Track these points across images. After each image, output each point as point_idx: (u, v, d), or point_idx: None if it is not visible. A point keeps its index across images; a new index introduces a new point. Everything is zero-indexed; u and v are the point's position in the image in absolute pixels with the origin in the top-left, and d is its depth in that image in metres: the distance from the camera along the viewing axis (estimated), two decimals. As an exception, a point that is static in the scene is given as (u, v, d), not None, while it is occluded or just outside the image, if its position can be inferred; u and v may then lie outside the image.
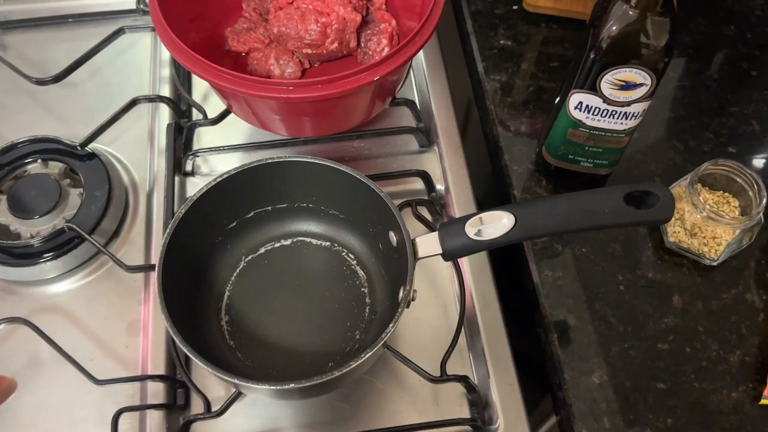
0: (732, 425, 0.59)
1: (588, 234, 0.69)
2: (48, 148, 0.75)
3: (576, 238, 0.68)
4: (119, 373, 0.64)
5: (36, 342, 0.63)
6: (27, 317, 0.65)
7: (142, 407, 0.62)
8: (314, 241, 0.70)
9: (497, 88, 0.79)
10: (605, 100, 0.59)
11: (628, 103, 0.59)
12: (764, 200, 0.62)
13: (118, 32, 0.83)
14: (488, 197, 0.79)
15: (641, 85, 0.57)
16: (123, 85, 0.83)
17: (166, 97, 0.79)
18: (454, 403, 0.65)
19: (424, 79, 0.83)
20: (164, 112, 0.79)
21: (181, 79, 0.82)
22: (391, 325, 0.55)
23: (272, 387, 0.54)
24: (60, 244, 0.70)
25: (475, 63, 0.81)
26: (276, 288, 0.68)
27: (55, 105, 0.82)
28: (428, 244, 0.58)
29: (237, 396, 0.63)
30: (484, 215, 0.56)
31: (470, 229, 0.56)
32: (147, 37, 0.87)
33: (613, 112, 0.61)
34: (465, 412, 0.64)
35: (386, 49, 0.74)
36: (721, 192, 0.67)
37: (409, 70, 0.80)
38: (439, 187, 0.76)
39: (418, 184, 0.76)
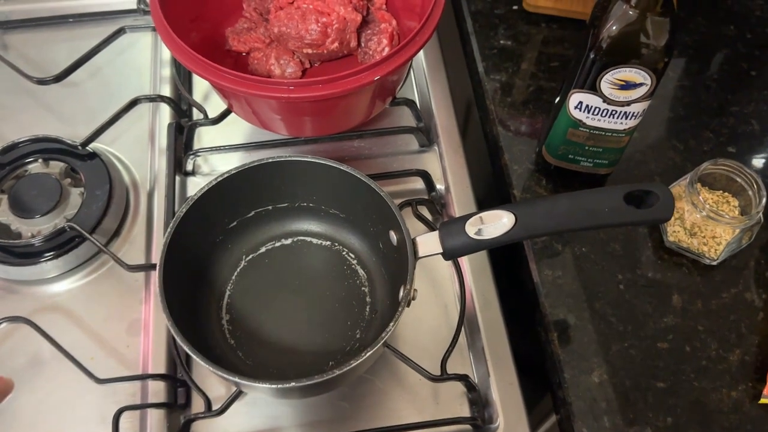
0: (732, 424, 0.59)
1: (588, 233, 0.69)
2: (49, 147, 0.75)
3: (576, 237, 0.68)
4: (120, 372, 0.64)
5: (37, 341, 0.64)
6: (28, 316, 0.65)
7: (143, 406, 0.62)
8: (315, 241, 0.71)
9: (497, 87, 0.79)
10: (605, 99, 0.60)
11: (628, 103, 0.59)
12: (764, 200, 0.62)
13: (119, 32, 0.83)
14: (488, 197, 0.79)
15: (641, 84, 0.57)
16: (124, 84, 0.83)
17: (166, 97, 0.79)
18: (455, 402, 0.65)
19: (424, 78, 0.83)
20: (165, 112, 0.79)
21: (182, 78, 0.82)
22: (391, 324, 0.55)
23: (273, 386, 0.54)
24: (61, 243, 0.70)
25: (476, 63, 0.82)
26: (277, 287, 0.68)
27: (56, 105, 0.82)
28: (428, 243, 0.58)
29: (238, 395, 0.63)
30: (485, 214, 0.56)
31: (470, 229, 0.56)
32: (147, 37, 0.87)
33: (613, 112, 0.61)
34: (465, 411, 0.64)
35: (386, 49, 0.74)
36: (721, 191, 0.68)
37: (409, 70, 0.80)
38: (440, 186, 0.76)
39: (419, 184, 0.76)
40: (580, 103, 0.61)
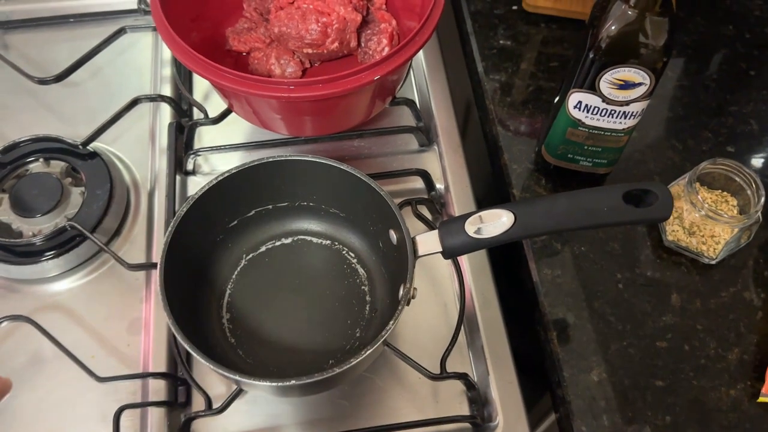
0: (730, 423, 0.60)
1: (587, 233, 0.69)
2: (50, 147, 0.75)
3: (575, 236, 0.69)
4: (121, 371, 0.65)
5: (38, 339, 0.64)
6: (29, 315, 0.65)
7: (144, 404, 0.63)
8: (315, 240, 0.71)
9: (497, 87, 0.79)
10: (604, 99, 0.60)
11: (627, 103, 0.60)
12: (762, 199, 0.63)
13: (120, 32, 0.84)
14: (488, 196, 0.79)
15: (640, 84, 0.58)
16: (124, 84, 0.83)
17: (167, 97, 0.79)
18: (454, 401, 0.65)
19: (424, 78, 0.83)
20: (165, 112, 0.80)
21: (182, 78, 0.82)
22: (391, 322, 0.55)
23: (273, 383, 0.54)
24: (62, 242, 0.70)
25: (475, 63, 0.82)
26: (277, 286, 0.68)
27: (56, 104, 0.82)
28: (428, 242, 0.58)
29: (238, 393, 0.63)
30: (484, 213, 0.56)
31: (470, 228, 0.56)
32: (148, 37, 0.88)
33: (612, 112, 0.61)
34: (465, 410, 0.65)
35: (386, 49, 0.75)
36: (720, 191, 0.68)
37: (409, 69, 0.80)
38: (439, 186, 0.76)
39: (418, 183, 0.76)
40: (580, 102, 0.61)
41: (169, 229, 0.60)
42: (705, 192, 0.68)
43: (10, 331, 0.67)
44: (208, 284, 0.67)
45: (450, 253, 0.58)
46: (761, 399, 0.60)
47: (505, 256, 0.71)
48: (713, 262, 0.66)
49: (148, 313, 0.68)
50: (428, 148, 0.79)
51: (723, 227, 0.64)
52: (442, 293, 0.70)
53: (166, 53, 0.85)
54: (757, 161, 0.74)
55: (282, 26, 0.73)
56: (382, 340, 0.55)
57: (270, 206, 0.69)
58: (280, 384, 0.54)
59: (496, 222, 0.56)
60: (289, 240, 0.71)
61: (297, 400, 0.65)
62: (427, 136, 0.79)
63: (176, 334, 0.55)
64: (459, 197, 0.74)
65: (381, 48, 0.75)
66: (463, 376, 0.64)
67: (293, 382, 0.53)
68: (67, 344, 0.63)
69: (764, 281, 0.66)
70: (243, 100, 0.69)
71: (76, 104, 0.82)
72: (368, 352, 0.54)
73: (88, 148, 0.75)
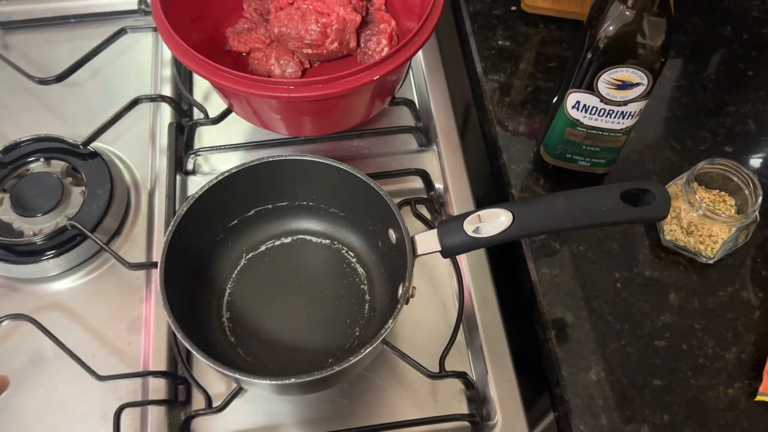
0: (728, 421, 0.60)
1: (585, 232, 0.69)
2: (50, 147, 0.76)
3: (573, 236, 0.69)
4: (121, 370, 0.65)
5: (39, 338, 0.64)
6: (30, 314, 0.65)
7: (144, 403, 0.63)
8: (314, 239, 0.71)
9: (496, 88, 0.79)
10: (602, 99, 0.60)
11: (625, 103, 0.60)
12: (760, 199, 0.63)
13: (120, 32, 0.84)
14: (487, 196, 0.80)
15: (638, 84, 0.58)
16: (125, 84, 0.84)
17: (167, 97, 0.80)
18: (453, 399, 0.65)
19: (423, 79, 0.84)
20: (166, 112, 0.80)
21: (183, 78, 0.82)
22: (390, 321, 0.56)
23: (273, 382, 0.54)
24: (62, 241, 0.70)
25: (474, 63, 0.82)
26: (276, 285, 0.68)
27: (57, 104, 0.83)
28: (427, 241, 0.58)
29: (238, 392, 0.63)
30: (483, 213, 0.56)
31: (469, 227, 0.56)
32: (148, 37, 0.88)
33: (611, 112, 0.61)
34: (463, 408, 0.65)
35: (386, 49, 0.75)
36: (718, 191, 0.68)
37: (408, 70, 0.81)
38: (438, 185, 0.77)
39: (417, 183, 0.77)
40: (578, 102, 0.62)
41: (170, 228, 0.60)
42: (703, 192, 0.68)
43: (11, 330, 0.68)
44: (208, 283, 0.67)
45: (449, 252, 0.58)
46: (759, 398, 0.60)
47: (503, 255, 0.72)
48: (711, 262, 0.67)
49: (149, 312, 0.69)
50: (427, 148, 0.80)
51: (721, 227, 0.64)
52: (441, 292, 0.71)
53: (167, 53, 0.85)
54: (754, 161, 0.74)
55: (282, 27, 0.74)
56: (381, 338, 0.55)
57: (270, 206, 0.69)
58: (279, 382, 0.54)
59: (495, 221, 0.56)
60: (288, 239, 0.71)
61: (296, 398, 0.65)
62: (426, 136, 0.80)
63: (176, 333, 0.55)
64: (458, 197, 0.75)
65: (380, 48, 0.75)
66: (462, 375, 0.64)
67: (293, 380, 0.53)
68: (67, 343, 0.63)
69: (762, 280, 0.66)
70: (243, 100, 0.69)
71: (76, 104, 0.83)
72: (367, 351, 0.54)
73: (88, 147, 0.75)
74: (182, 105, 0.82)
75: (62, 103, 0.83)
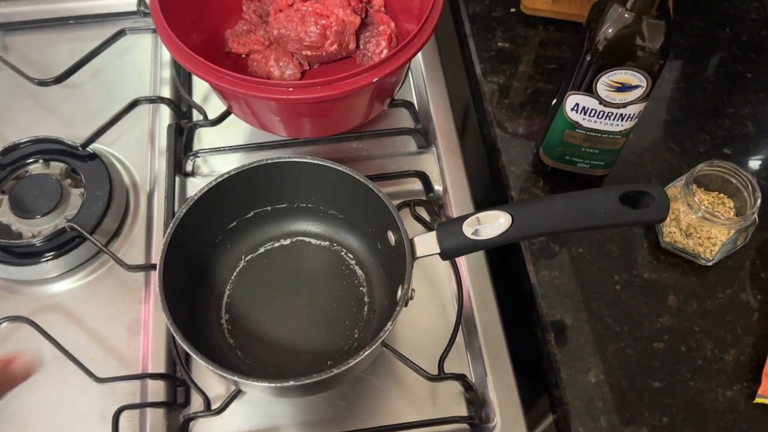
0: (727, 424, 0.60)
1: (584, 234, 0.69)
2: (49, 148, 0.76)
3: (572, 238, 0.69)
4: (120, 372, 0.65)
5: (37, 341, 0.64)
6: (29, 316, 0.65)
7: (143, 405, 0.63)
8: (313, 241, 0.71)
9: (495, 90, 0.79)
10: (601, 101, 0.60)
11: (624, 105, 0.60)
12: (759, 201, 0.63)
13: (119, 34, 0.84)
14: (486, 198, 0.80)
15: (637, 86, 0.58)
16: (124, 86, 0.84)
17: (166, 98, 0.80)
18: (452, 402, 0.65)
19: (422, 80, 0.84)
20: (165, 113, 0.80)
21: (182, 80, 0.82)
22: (389, 323, 0.56)
23: (272, 384, 0.54)
24: (61, 243, 0.70)
25: (473, 65, 0.82)
26: (275, 287, 0.68)
27: (56, 106, 0.83)
28: (426, 243, 0.58)
29: (237, 394, 0.63)
30: (482, 215, 0.57)
31: (468, 229, 0.56)
32: (147, 39, 0.88)
33: (610, 114, 0.61)
34: (462, 411, 0.65)
35: (385, 51, 0.75)
36: (716, 193, 0.68)
37: (407, 72, 0.81)
38: (437, 187, 0.77)
39: (417, 185, 0.77)
40: (577, 104, 0.62)
41: (169, 230, 0.60)
42: (702, 194, 0.68)
43: (10, 332, 0.68)
44: (207, 285, 0.67)
45: (448, 254, 0.58)
46: (758, 400, 0.60)
47: (502, 257, 0.72)
48: (710, 264, 0.67)
49: (147, 314, 0.69)
50: (426, 150, 0.80)
51: (720, 229, 0.64)
52: (440, 294, 0.71)
53: (166, 55, 0.85)
54: (753, 163, 0.74)
55: (281, 28, 0.74)
56: (380, 340, 0.55)
57: (269, 207, 0.69)
58: (278, 385, 0.54)
59: (494, 223, 0.56)
60: (287, 241, 0.71)
61: (296, 400, 0.65)
62: (425, 138, 0.80)
63: (175, 335, 0.55)
64: (457, 199, 0.75)
65: (380, 50, 0.75)
66: (461, 377, 0.64)
67: (292, 382, 0.53)
68: (66, 345, 0.63)
69: (761, 282, 0.66)
70: (242, 102, 0.69)
71: (75, 106, 0.83)
72: (366, 353, 0.54)
73: (87, 149, 0.75)
74: (181, 106, 0.82)
75: (61, 105, 0.83)
